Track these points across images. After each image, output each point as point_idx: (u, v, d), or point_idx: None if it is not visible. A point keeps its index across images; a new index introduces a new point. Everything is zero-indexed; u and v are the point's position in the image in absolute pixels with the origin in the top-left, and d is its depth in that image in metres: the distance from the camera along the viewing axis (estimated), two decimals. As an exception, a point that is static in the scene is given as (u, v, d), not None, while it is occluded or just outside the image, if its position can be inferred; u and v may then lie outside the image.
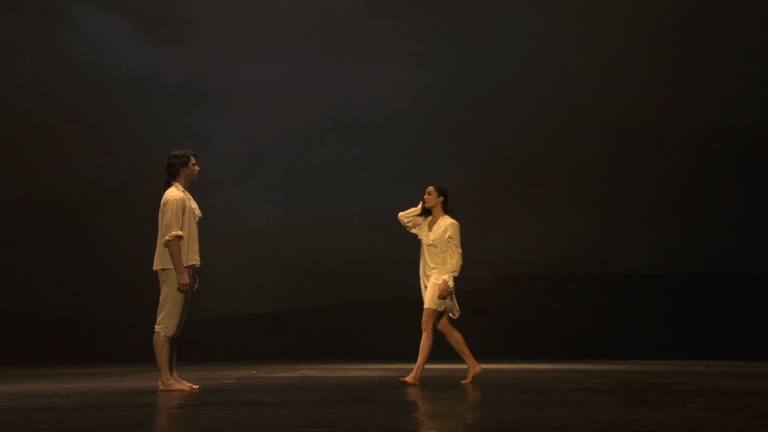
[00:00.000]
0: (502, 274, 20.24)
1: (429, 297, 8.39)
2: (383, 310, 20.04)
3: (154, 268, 7.72)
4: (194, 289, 7.78)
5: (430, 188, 8.58)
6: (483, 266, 20.00)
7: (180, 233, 7.56)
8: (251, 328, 18.59)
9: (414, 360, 8.45)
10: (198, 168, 7.88)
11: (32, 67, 19.24)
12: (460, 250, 8.39)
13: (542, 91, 20.24)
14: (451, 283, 8.32)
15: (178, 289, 7.57)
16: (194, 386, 7.75)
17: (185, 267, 7.59)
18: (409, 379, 8.26)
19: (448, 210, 8.56)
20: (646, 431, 4.53)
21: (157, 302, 7.74)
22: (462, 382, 8.36)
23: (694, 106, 19.78)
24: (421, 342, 8.38)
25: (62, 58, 19.63)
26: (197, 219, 7.81)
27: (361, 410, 5.68)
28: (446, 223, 8.46)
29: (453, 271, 8.38)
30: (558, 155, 20.31)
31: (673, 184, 20.10)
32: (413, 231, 8.62)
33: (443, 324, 8.51)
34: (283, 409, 5.75)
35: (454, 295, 8.45)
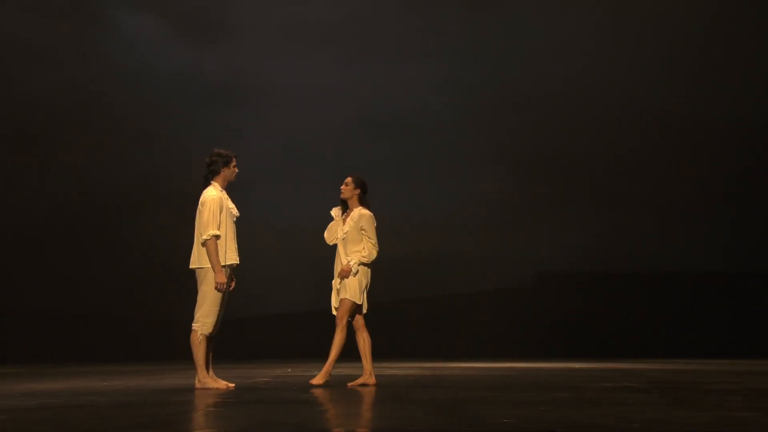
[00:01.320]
0: (540, 272, 20.13)
1: (349, 288, 7.99)
2: (420, 308, 20.03)
3: (191, 267, 7.76)
4: (231, 288, 7.80)
5: (348, 179, 8.19)
6: (521, 264, 19.93)
7: (217, 232, 7.59)
8: (287, 327, 18.64)
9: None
10: (237, 170, 7.93)
11: (70, 69, 19.45)
12: (373, 242, 8.00)
13: (576, 89, 20.11)
14: (354, 268, 7.91)
15: (216, 288, 7.60)
16: (230, 384, 7.77)
17: (223, 266, 7.62)
18: (317, 380, 7.94)
19: (364, 203, 8.18)
20: (684, 431, 4.47)
21: (194, 301, 7.78)
22: (349, 384, 7.95)
23: (730, 104, 19.56)
24: (334, 338, 8.00)
25: (100, 60, 19.82)
26: (235, 218, 7.84)
27: (397, 409, 5.67)
28: (359, 214, 8.07)
29: (363, 257, 7.96)
30: (594, 153, 20.17)
31: (710, 183, 19.88)
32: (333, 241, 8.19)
33: (358, 321, 8.11)
34: (318, 407, 5.75)
35: (365, 291, 8.06)
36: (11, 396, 7.14)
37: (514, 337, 18.79)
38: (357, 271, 7.92)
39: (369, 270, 8.06)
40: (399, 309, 20.11)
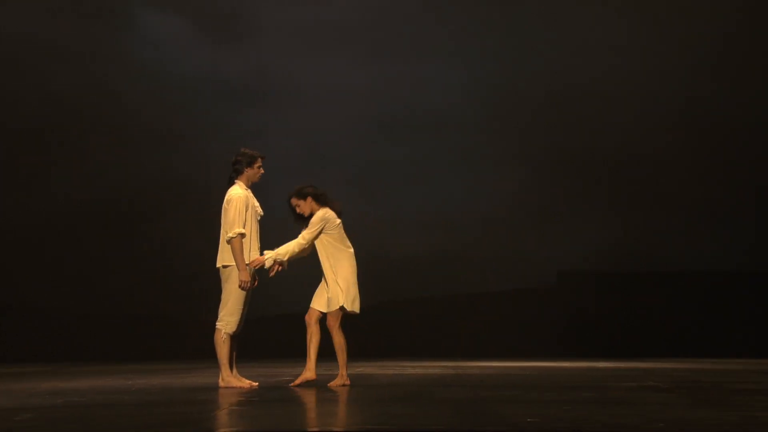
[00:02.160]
0: (561, 271, 20.07)
1: (333, 297, 7.86)
2: (440, 307, 20.01)
3: (216, 265, 7.79)
4: (254, 286, 7.83)
5: (293, 201, 7.87)
6: (541, 263, 19.87)
7: (243, 231, 7.61)
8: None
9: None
10: (263, 171, 7.92)
11: (93, 69, 19.56)
12: (304, 240, 7.74)
13: (597, 87, 20.02)
14: (268, 263, 7.66)
15: (240, 287, 7.62)
16: (254, 383, 7.80)
17: (247, 265, 7.65)
18: (336, 384, 7.77)
19: (324, 203, 7.91)
20: (708, 431, 4.45)
21: (218, 299, 7.82)
22: (292, 384, 7.80)
23: (753, 102, 19.42)
24: (335, 343, 7.86)
25: (122, 60, 19.92)
26: (259, 217, 7.87)
27: (418, 408, 5.67)
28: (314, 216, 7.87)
29: (279, 253, 7.69)
30: (615, 151, 20.08)
31: (733, 181, 19.75)
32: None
33: (314, 316, 7.88)
34: (340, 407, 5.76)
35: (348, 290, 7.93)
36: (38, 394, 7.19)
37: (536, 337, 18.74)
38: (270, 266, 7.72)
39: (345, 271, 7.91)
40: (419, 308, 20.11)
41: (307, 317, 7.90)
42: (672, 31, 19.72)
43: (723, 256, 19.57)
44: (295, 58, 20.68)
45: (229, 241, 7.62)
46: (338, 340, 7.82)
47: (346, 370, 7.86)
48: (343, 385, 7.70)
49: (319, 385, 7.80)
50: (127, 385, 8.35)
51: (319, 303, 7.88)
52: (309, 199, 7.86)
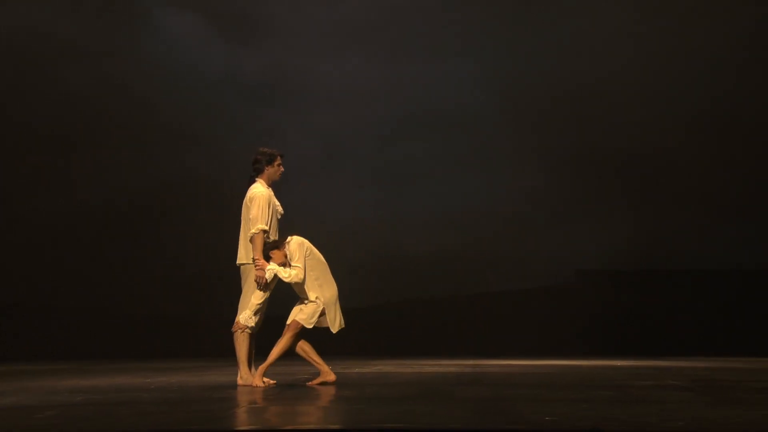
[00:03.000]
0: (581, 270, 20.01)
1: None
2: (459, 306, 20.00)
3: (237, 263, 7.81)
4: (270, 285, 7.84)
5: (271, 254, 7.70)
6: (561, 262, 19.82)
7: (265, 227, 7.63)
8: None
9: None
10: (282, 169, 7.94)
11: (110, 68, 19.64)
12: (302, 274, 7.69)
13: (616, 84, 19.95)
14: (269, 275, 7.59)
15: (255, 280, 7.63)
16: (272, 381, 7.82)
17: (276, 276, 7.67)
18: (318, 381, 7.72)
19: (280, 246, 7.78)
20: (729, 429, 4.42)
21: (237, 297, 7.84)
22: (310, 383, 7.76)
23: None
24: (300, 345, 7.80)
25: (140, 59, 19.99)
26: (279, 216, 7.89)
27: (437, 406, 5.67)
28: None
29: (282, 276, 7.67)
30: (635, 149, 20.00)
31: (754, 178, 19.63)
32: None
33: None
34: (359, 405, 5.77)
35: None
36: (58, 392, 7.24)
37: (555, 335, 18.69)
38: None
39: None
40: (439, 307, 20.10)
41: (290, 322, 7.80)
42: (690, 27, 19.61)
43: (742, 254, 19.46)
44: (311, 57, 20.71)
45: (251, 238, 7.64)
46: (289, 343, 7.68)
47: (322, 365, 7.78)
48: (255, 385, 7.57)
49: (335, 383, 7.81)
50: (146, 383, 8.38)
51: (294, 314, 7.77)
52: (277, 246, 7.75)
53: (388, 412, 5.25)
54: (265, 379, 7.75)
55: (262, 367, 7.60)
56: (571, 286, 19.95)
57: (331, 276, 7.86)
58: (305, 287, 7.69)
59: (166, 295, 18.78)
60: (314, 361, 7.74)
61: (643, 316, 19.10)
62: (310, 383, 7.74)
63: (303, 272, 7.63)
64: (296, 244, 7.68)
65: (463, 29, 20.70)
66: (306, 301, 7.72)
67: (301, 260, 7.64)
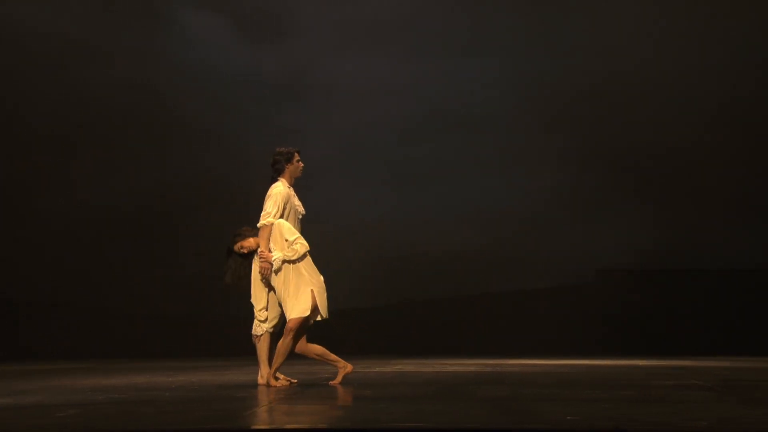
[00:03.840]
0: (600, 268, 19.93)
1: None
2: (479, 305, 19.97)
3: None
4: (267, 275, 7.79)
5: (238, 247, 7.85)
6: (581, 260, 19.75)
7: (273, 221, 7.61)
8: (348, 323, 18.71)
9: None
10: (302, 164, 7.95)
11: (131, 67, 19.72)
12: (303, 240, 7.69)
13: (637, 82, 19.85)
14: (276, 264, 7.54)
15: (260, 272, 7.63)
16: (293, 380, 7.83)
17: (284, 261, 7.67)
18: (339, 379, 7.68)
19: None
20: (752, 429, 4.39)
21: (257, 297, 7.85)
22: (332, 383, 7.72)
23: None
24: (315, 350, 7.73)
25: (161, 58, 20.06)
26: (300, 216, 7.88)
27: (457, 405, 5.66)
28: None
29: (286, 255, 7.62)
30: (655, 147, 19.90)
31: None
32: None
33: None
34: (380, 404, 5.77)
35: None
36: (80, 391, 7.28)
37: (575, 334, 18.63)
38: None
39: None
40: (458, 306, 20.07)
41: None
42: (710, 24, 19.48)
43: (763, 252, 19.32)
44: (330, 57, 20.73)
45: (259, 229, 7.63)
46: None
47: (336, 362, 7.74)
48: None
49: (354, 383, 7.81)
50: (167, 381, 8.41)
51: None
52: (246, 236, 7.81)
53: (408, 412, 5.25)
54: (287, 378, 7.77)
55: (272, 369, 7.61)
56: (591, 285, 19.87)
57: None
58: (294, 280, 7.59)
59: (187, 294, 18.84)
60: (330, 360, 7.74)
61: (664, 315, 19.01)
62: (332, 382, 7.74)
63: (303, 242, 7.60)
64: (278, 222, 7.64)
65: (482, 28, 20.66)
66: (288, 295, 7.60)
67: (293, 232, 7.63)
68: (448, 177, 20.70)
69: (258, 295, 7.77)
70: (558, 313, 19.30)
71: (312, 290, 7.54)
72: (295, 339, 7.56)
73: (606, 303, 19.37)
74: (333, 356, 7.72)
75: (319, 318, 7.62)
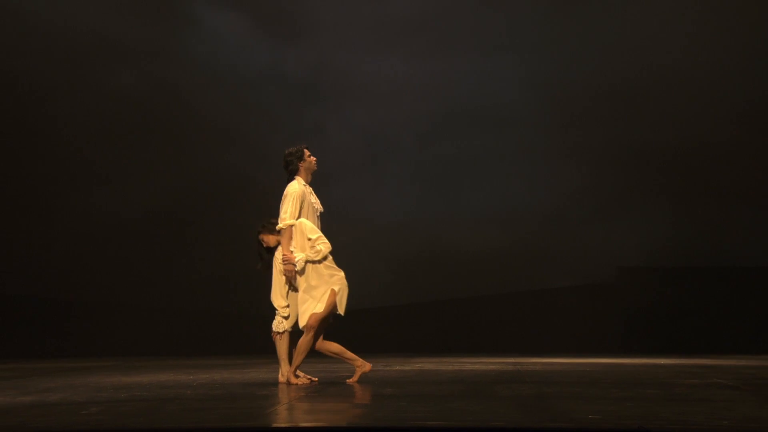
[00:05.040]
0: (622, 266, 19.84)
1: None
2: (500, 304, 19.93)
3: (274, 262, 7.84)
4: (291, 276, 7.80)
5: (263, 236, 7.87)
6: (602, 259, 19.66)
7: (293, 222, 7.63)
8: (370, 322, 18.72)
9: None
10: (315, 158, 7.96)
11: (152, 67, 19.80)
12: (325, 240, 7.73)
13: (659, 79, 19.73)
14: (299, 265, 7.58)
15: (284, 274, 7.65)
16: (314, 378, 7.84)
17: (307, 261, 7.68)
18: (357, 377, 7.70)
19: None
20: (777, 429, 4.36)
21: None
22: (350, 381, 7.73)
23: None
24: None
25: (182, 57, 20.13)
26: (318, 213, 7.89)
27: (479, 404, 5.65)
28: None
29: (309, 256, 7.66)
30: (677, 144, 19.77)
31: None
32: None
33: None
34: (401, 402, 5.77)
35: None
36: (103, 389, 7.32)
37: (597, 333, 18.56)
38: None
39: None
40: (480, 304, 20.04)
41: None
42: (738, 18, 19.30)
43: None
44: (354, 55, 20.72)
45: (279, 231, 7.68)
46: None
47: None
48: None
49: (374, 381, 7.81)
50: (189, 380, 8.45)
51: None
52: (269, 228, 7.83)
53: (430, 410, 5.24)
54: (307, 376, 7.78)
55: (293, 367, 7.62)
56: (612, 284, 19.78)
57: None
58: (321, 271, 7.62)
59: (206, 292, 18.91)
60: (347, 358, 7.73)
61: (687, 314, 18.90)
62: (349, 380, 7.75)
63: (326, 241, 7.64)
64: (300, 222, 7.65)
65: (505, 26, 20.59)
66: (309, 295, 7.63)
67: (315, 231, 7.66)
68: (469, 175, 20.66)
69: (281, 293, 7.78)
70: (580, 311, 19.23)
71: (333, 289, 7.55)
72: (315, 337, 7.57)
73: (628, 301, 19.27)
74: (350, 354, 7.72)
75: (342, 312, 7.65)
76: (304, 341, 7.53)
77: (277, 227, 7.68)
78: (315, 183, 8.02)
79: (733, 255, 19.44)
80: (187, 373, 9.81)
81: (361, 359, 7.72)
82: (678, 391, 6.67)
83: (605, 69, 19.95)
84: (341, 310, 7.64)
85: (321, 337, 7.68)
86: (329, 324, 7.73)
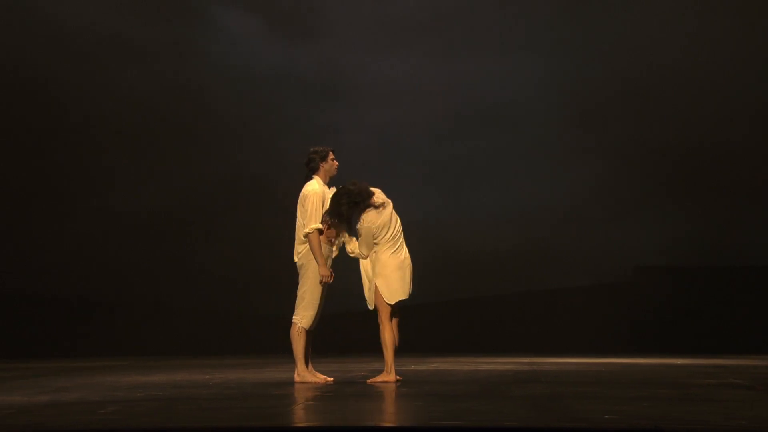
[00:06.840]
0: (638, 266, 19.78)
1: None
2: (516, 304, 19.90)
3: (295, 260, 7.85)
4: (330, 281, 7.86)
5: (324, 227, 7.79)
6: (618, 258, 19.61)
7: (319, 226, 7.66)
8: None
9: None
10: (337, 163, 7.97)
11: (166, 66, 19.83)
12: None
13: (676, 77, 19.64)
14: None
15: (320, 281, 7.67)
16: (329, 378, 7.85)
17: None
18: (379, 380, 7.70)
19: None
20: (794, 429, 4.34)
21: (293, 294, 7.88)
22: (369, 381, 7.72)
23: None
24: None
25: (196, 57, 20.16)
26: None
27: (495, 404, 5.64)
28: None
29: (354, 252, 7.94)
30: (695, 143, 19.68)
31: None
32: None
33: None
34: (417, 402, 5.77)
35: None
36: (119, 388, 7.35)
37: (613, 332, 18.50)
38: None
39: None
40: (495, 304, 20.01)
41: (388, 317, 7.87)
42: (753, 16, 19.19)
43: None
44: (368, 54, 20.70)
45: (306, 237, 7.68)
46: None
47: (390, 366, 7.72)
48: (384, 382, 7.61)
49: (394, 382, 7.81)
50: (205, 379, 8.47)
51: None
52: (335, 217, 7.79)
53: (446, 410, 5.24)
54: (321, 376, 7.79)
55: (388, 364, 7.62)
56: (628, 283, 19.72)
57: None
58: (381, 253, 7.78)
59: (224, 292, 18.94)
60: (387, 357, 7.70)
61: (704, 313, 18.81)
62: (370, 380, 7.74)
63: (365, 248, 7.71)
64: (366, 227, 7.73)
65: (521, 25, 20.54)
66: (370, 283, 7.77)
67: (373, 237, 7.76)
68: (486, 175, 20.62)
69: (309, 302, 7.76)
70: (595, 311, 19.17)
71: (389, 274, 7.73)
72: (390, 325, 7.68)
73: (644, 301, 19.20)
74: (392, 358, 7.70)
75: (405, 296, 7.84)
76: (383, 335, 7.66)
77: (303, 233, 7.68)
78: (330, 183, 8.01)
79: (749, 254, 19.33)
80: (202, 372, 9.83)
81: (393, 369, 7.68)
82: (693, 391, 6.65)
83: (622, 68, 19.88)
84: (405, 294, 7.85)
85: (395, 322, 7.81)
86: (397, 310, 7.84)
